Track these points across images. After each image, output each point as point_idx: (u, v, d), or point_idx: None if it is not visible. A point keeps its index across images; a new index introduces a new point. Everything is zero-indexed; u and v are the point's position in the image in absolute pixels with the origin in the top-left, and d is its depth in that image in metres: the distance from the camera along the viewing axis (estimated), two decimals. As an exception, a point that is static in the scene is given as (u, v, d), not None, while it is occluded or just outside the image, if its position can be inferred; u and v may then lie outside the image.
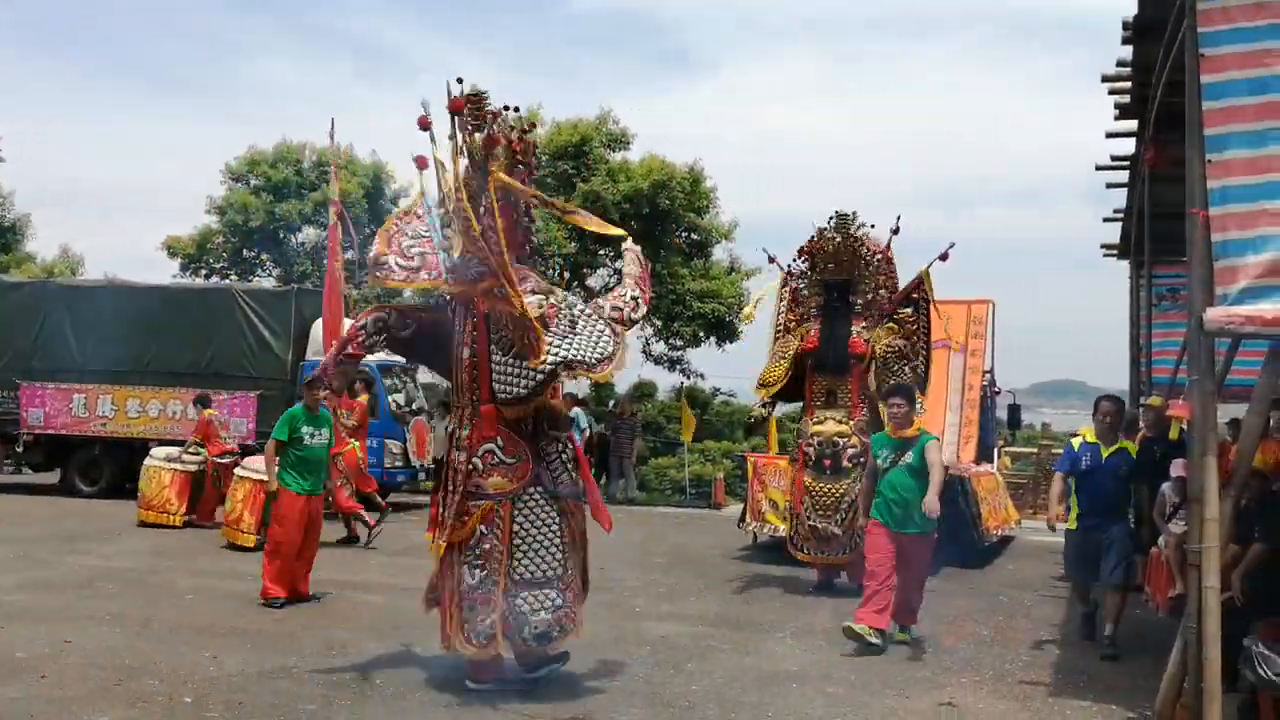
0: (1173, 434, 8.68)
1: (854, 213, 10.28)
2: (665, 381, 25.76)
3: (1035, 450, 20.58)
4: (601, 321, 6.18)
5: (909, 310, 10.12)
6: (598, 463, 17.81)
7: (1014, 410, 17.52)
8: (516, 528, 6.08)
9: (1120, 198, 12.68)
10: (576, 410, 16.19)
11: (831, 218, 10.28)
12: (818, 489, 9.73)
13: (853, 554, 9.34)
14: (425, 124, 6.19)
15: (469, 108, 6.22)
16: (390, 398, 15.51)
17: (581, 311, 6.21)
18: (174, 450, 13.21)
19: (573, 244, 20.40)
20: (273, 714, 5.62)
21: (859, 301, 10.16)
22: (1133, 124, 9.87)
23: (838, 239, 10.18)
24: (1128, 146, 10.76)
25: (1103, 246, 14.99)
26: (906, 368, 9.70)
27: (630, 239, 6.94)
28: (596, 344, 6.03)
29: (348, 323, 16.53)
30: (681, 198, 21.12)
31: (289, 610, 8.23)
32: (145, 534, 12.12)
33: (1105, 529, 7.49)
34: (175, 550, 11.06)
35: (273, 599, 8.35)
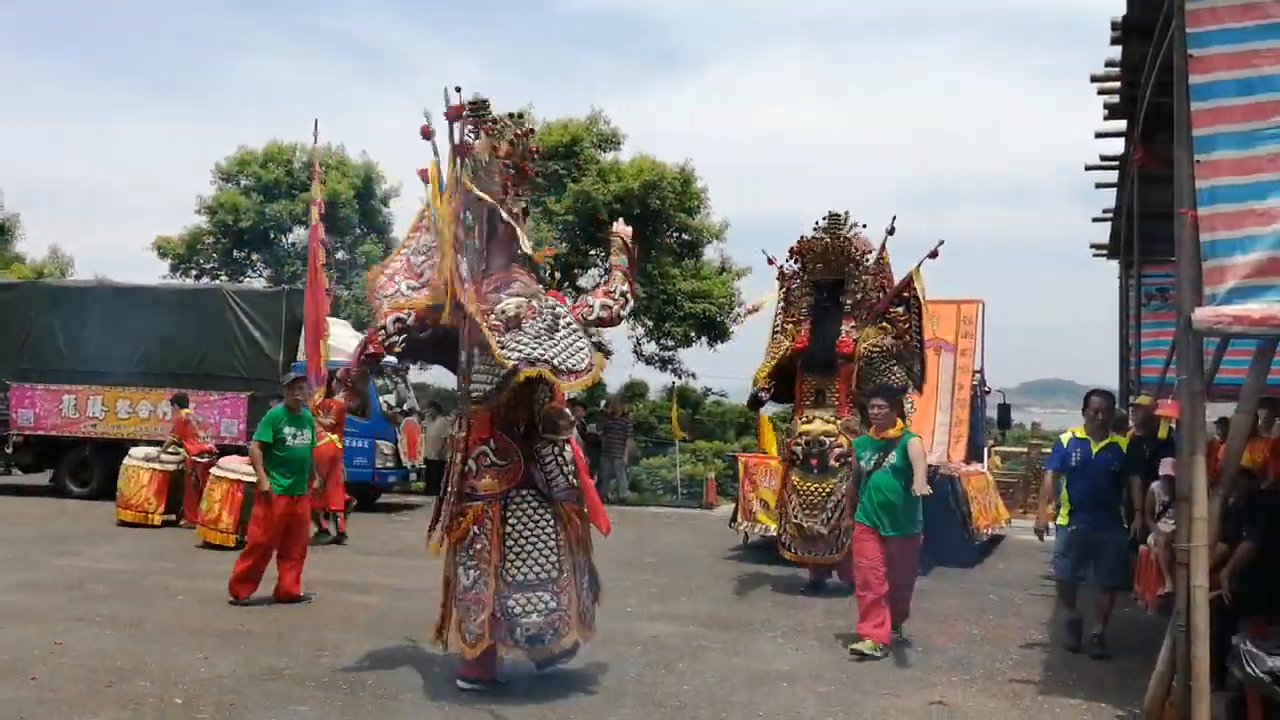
0: (1162, 433, 8.72)
1: (846, 213, 10.31)
2: (657, 381, 25.80)
3: (1025, 449, 20.64)
4: (584, 338, 6.15)
5: (901, 309, 10.15)
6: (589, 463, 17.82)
7: (1004, 410, 17.59)
8: (508, 529, 6.08)
9: (1110, 197, 12.73)
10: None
11: (824, 218, 10.31)
12: (804, 488, 9.78)
13: (840, 553, 9.37)
14: (427, 133, 6.16)
15: (469, 115, 6.27)
16: (381, 398, 15.51)
17: (566, 323, 6.16)
18: (152, 450, 13.27)
19: (564, 244, 20.40)
20: (264, 715, 5.62)
21: (848, 302, 10.18)
22: (1122, 124, 9.91)
23: (826, 239, 10.21)
24: (1117, 147, 10.80)
25: (1092, 246, 15.06)
26: (895, 367, 9.72)
27: (620, 221, 6.96)
28: (571, 354, 5.96)
29: (335, 321, 16.69)
30: (672, 198, 21.13)
31: (279, 611, 8.22)
32: (136, 535, 12.09)
33: (1099, 529, 7.35)
34: (167, 551, 11.04)
35: (235, 597, 8.39)
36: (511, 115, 6.56)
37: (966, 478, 12.38)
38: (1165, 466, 7.76)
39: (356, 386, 7.45)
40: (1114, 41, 8.11)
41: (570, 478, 6.25)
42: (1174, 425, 6.00)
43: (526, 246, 6.53)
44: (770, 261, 10.75)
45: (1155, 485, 7.99)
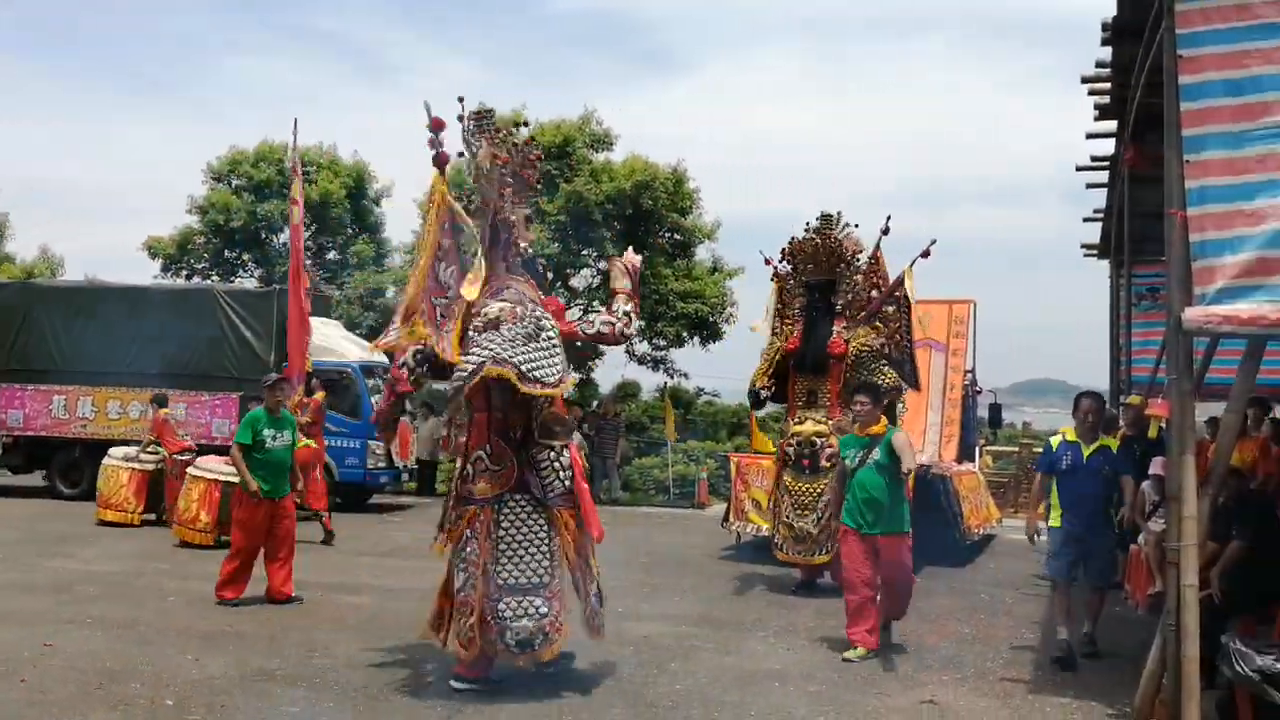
0: (1152, 432, 8.76)
1: (837, 213, 10.33)
2: (649, 381, 25.78)
3: (1016, 449, 20.69)
4: (560, 354, 6.14)
5: (892, 309, 10.17)
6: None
7: (995, 409, 17.61)
8: (500, 533, 6.11)
9: (1100, 198, 12.76)
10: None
11: (816, 218, 10.33)
12: (796, 488, 9.81)
13: (831, 554, 9.38)
14: (439, 125, 6.15)
15: (473, 124, 6.34)
16: (373, 399, 15.47)
17: (548, 336, 6.15)
18: (131, 450, 13.31)
19: (556, 244, 20.39)
20: (255, 716, 5.61)
21: (839, 302, 10.20)
22: (1112, 125, 9.94)
23: (817, 240, 10.23)
24: (1108, 147, 10.83)
25: (1083, 246, 15.09)
26: (885, 366, 9.75)
27: (629, 250, 7.01)
28: (540, 364, 5.97)
29: (327, 322, 16.67)
30: (664, 198, 21.12)
31: (271, 612, 8.20)
32: (126, 536, 12.06)
33: (1090, 532, 7.17)
34: (157, 553, 11.01)
35: (221, 599, 8.38)
36: (517, 124, 6.68)
37: (958, 477, 12.40)
38: (1155, 466, 7.78)
39: (388, 429, 7.48)
40: (1104, 42, 8.13)
41: (566, 483, 6.25)
42: (1164, 424, 6.03)
43: (527, 251, 6.62)
44: (767, 262, 10.76)
45: (1145, 484, 8.02)
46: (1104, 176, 11.76)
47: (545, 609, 6.10)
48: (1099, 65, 8.80)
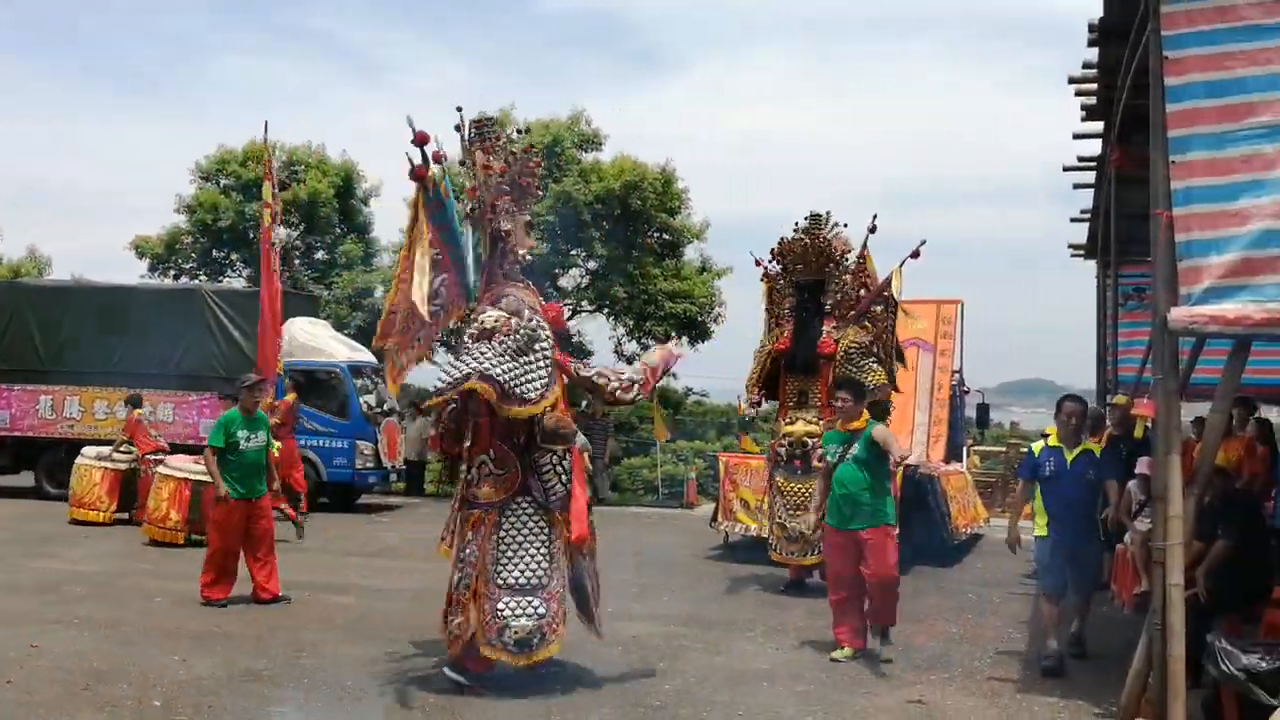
0: (1138, 432, 8.78)
1: (826, 213, 10.35)
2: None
3: (1004, 449, 20.77)
4: (548, 368, 6.16)
5: (880, 308, 10.20)
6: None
7: (983, 409, 17.68)
8: (502, 534, 6.16)
9: (1087, 198, 12.79)
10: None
11: (805, 218, 10.34)
12: (788, 488, 9.83)
13: (821, 554, 9.39)
14: (423, 139, 6.09)
15: (474, 132, 6.37)
16: (361, 399, 15.45)
17: (541, 348, 6.15)
18: (105, 449, 13.34)
19: (544, 245, 20.37)
20: (243, 717, 5.60)
21: (829, 302, 10.22)
22: (1099, 125, 9.97)
23: (807, 240, 10.24)
24: (1094, 148, 10.86)
25: (1070, 246, 15.13)
26: (874, 363, 9.77)
27: (675, 342, 7.06)
28: (525, 380, 6.00)
29: (315, 322, 16.61)
30: (653, 198, 21.14)
31: (258, 613, 8.18)
32: (113, 536, 12.00)
33: (1077, 540, 6.94)
34: (143, 553, 10.97)
35: (209, 600, 8.35)
36: (520, 131, 6.71)
37: (945, 477, 12.43)
38: (1141, 465, 7.79)
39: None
40: (1091, 44, 8.15)
41: (568, 486, 6.29)
42: (1150, 424, 6.05)
43: (525, 259, 6.65)
44: (758, 263, 10.77)
45: (1132, 484, 8.03)
46: (1091, 177, 11.79)
47: (544, 609, 6.14)
48: (1086, 66, 8.82)
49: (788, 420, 10.06)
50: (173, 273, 24.00)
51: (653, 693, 6.17)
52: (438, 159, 6.18)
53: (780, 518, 9.83)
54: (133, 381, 15.09)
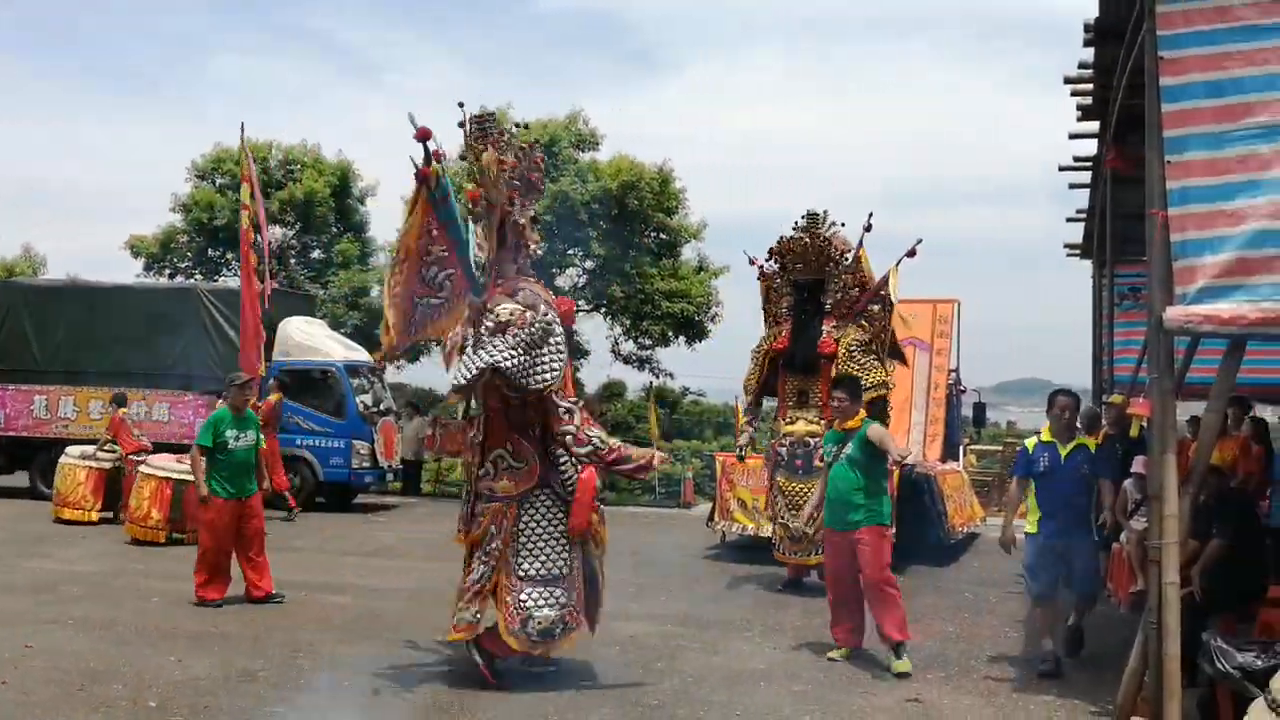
0: (1133, 431, 8.77)
1: (824, 212, 10.35)
2: (635, 381, 25.78)
3: (1000, 448, 20.79)
4: (561, 361, 6.22)
5: (877, 307, 10.21)
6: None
7: (979, 408, 17.70)
8: (522, 526, 6.23)
9: (1083, 198, 12.81)
10: None
11: (802, 216, 10.35)
12: (790, 488, 9.83)
13: (821, 555, 9.39)
14: (425, 135, 6.12)
15: (475, 128, 6.37)
16: (358, 398, 15.44)
17: (554, 342, 6.23)
18: (89, 448, 13.36)
19: (543, 245, 20.39)
20: (239, 717, 5.59)
21: (829, 301, 10.22)
22: (1094, 125, 9.98)
23: (806, 239, 10.24)
24: (1090, 148, 10.88)
25: (1066, 246, 15.15)
26: (874, 362, 9.79)
27: (660, 457, 7.02)
28: (537, 373, 6.08)
29: (311, 321, 16.59)
30: (650, 198, 21.13)
31: (255, 613, 8.17)
32: (107, 537, 11.98)
33: (1070, 537, 6.85)
34: (139, 553, 10.95)
35: (203, 600, 8.34)
36: (519, 125, 6.78)
37: (942, 476, 12.45)
38: (1137, 464, 7.80)
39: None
40: (1086, 43, 8.16)
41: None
42: (1145, 424, 6.05)
43: (536, 253, 6.76)
44: (752, 262, 10.77)
45: (1128, 483, 8.05)
46: (1087, 177, 11.81)
47: (564, 599, 6.25)
48: (1081, 66, 8.83)
49: (787, 420, 10.07)
50: (168, 272, 23.96)
51: (650, 692, 6.18)
52: (437, 157, 6.20)
53: (783, 518, 9.83)
54: (128, 381, 15.07)
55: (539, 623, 6.14)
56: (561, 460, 6.33)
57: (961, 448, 15.83)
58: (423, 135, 6.06)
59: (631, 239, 21.30)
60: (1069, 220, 14.13)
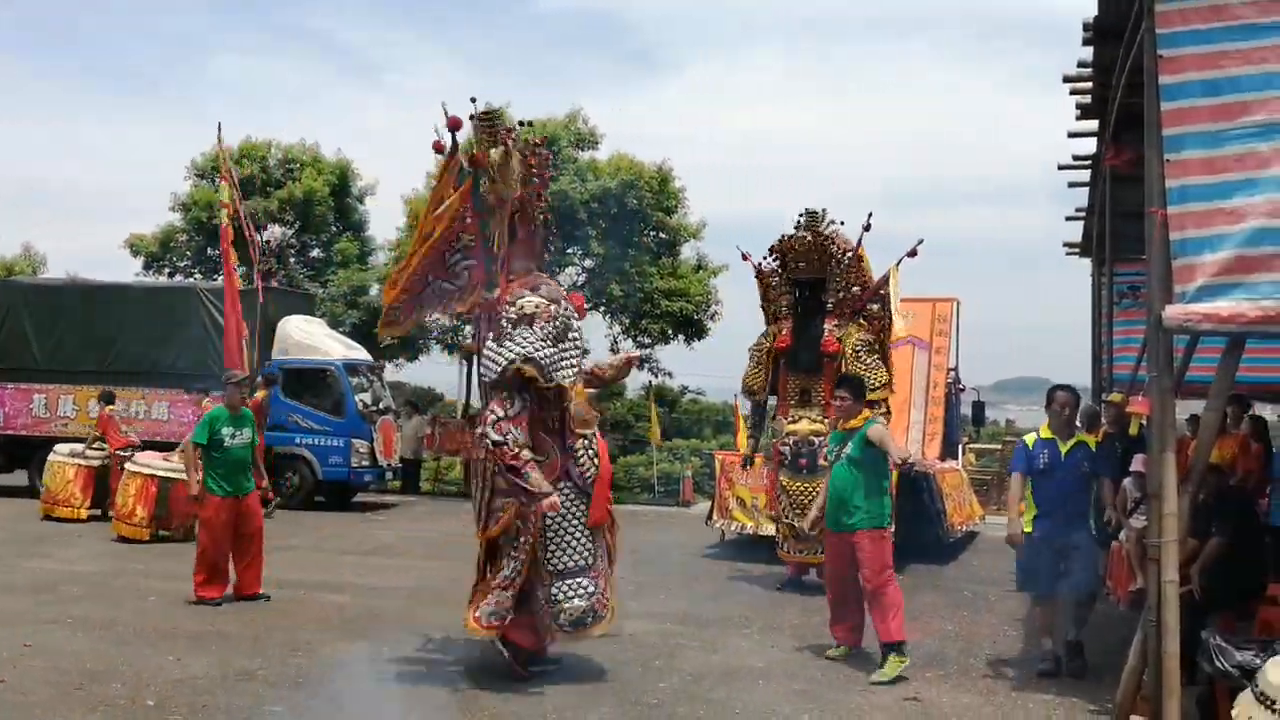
0: (1133, 430, 8.78)
1: (823, 210, 10.34)
2: (634, 380, 25.80)
3: (999, 447, 20.78)
4: (581, 356, 6.40)
5: (877, 306, 10.20)
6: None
7: (978, 407, 17.70)
8: (547, 520, 6.25)
9: (1082, 196, 12.81)
10: None
11: (801, 215, 10.33)
12: (794, 488, 9.83)
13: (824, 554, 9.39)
14: (455, 124, 6.26)
15: (482, 123, 6.41)
16: (357, 397, 15.44)
17: (574, 336, 6.38)
18: (77, 446, 13.41)
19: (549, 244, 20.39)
20: (238, 717, 5.58)
21: (830, 300, 10.21)
22: (1094, 124, 9.97)
23: (808, 238, 10.22)
24: (1089, 146, 10.87)
25: (1065, 245, 15.15)
26: (878, 359, 9.79)
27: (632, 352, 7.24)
28: (559, 366, 6.22)
29: (310, 320, 16.59)
30: (650, 197, 21.12)
31: (254, 612, 8.17)
32: (106, 536, 11.98)
33: (1068, 535, 6.75)
34: (138, 553, 10.94)
35: (202, 599, 8.34)
36: (523, 123, 6.80)
37: (941, 475, 12.45)
38: (1137, 463, 7.80)
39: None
40: (1085, 42, 8.16)
41: (598, 468, 6.44)
42: (1145, 422, 6.05)
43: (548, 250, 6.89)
44: (745, 258, 10.75)
45: (1127, 481, 8.05)
46: (1086, 175, 11.80)
47: (592, 587, 6.32)
48: (1080, 65, 8.83)
49: (790, 419, 10.05)
50: (168, 271, 23.94)
51: (649, 690, 6.18)
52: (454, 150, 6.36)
53: (788, 517, 9.82)
54: (128, 380, 15.08)
55: (569, 614, 6.24)
56: (579, 452, 6.38)
57: (960, 446, 15.83)
58: (454, 125, 6.21)
59: (631, 238, 21.30)
60: (1068, 219, 14.12)
